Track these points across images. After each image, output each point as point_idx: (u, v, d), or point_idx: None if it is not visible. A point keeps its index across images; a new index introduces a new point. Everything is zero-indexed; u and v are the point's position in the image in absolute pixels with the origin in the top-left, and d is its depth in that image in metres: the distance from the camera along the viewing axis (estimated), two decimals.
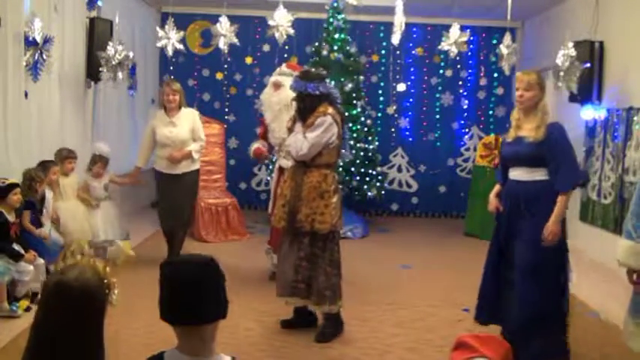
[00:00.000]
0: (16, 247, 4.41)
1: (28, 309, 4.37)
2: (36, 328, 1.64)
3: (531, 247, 3.58)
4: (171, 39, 6.45)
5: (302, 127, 4.16)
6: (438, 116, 9.33)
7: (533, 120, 3.66)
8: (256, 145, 5.57)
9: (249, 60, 9.10)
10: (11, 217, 4.44)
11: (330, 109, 4.13)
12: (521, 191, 3.69)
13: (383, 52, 9.12)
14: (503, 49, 6.49)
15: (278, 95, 5.27)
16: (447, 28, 6.72)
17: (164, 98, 5.80)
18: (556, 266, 3.63)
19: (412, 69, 9.28)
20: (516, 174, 3.75)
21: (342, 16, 7.96)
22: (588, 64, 6.24)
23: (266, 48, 8.99)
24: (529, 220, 3.63)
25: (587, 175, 4.29)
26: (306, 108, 4.17)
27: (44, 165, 5.16)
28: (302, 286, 4.16)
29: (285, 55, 8.95)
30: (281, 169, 5.20)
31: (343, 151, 4.43)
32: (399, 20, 6.35)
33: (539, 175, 3.64)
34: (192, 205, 6.22)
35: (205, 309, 1.68)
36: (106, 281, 1.71)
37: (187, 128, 5.75)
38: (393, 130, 9.28)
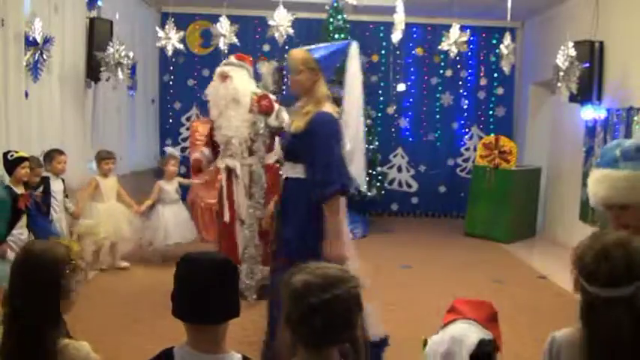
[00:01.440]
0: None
1: None
2: (8, 298, 1.76)
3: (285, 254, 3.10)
4: (171, 39, 6.45)
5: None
6: (438, 116, 9.33)
7: (306, 107, 3.16)
8: (195, 156, 5.26)
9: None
10: (19, 190, 4.38)
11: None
12: (284, 188, 3.27)
13: (383, 52, 9.12)
14: (504, 49, 6.50)
15: (225, 88, 4.88)
16: (447, 28, 6.74)
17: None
18: None
19: (412, 69, 9.28)
20: (284, 168, 3.35)
21: (342, 16, 7.96)
22: (587, 64, 6.24)
23: (266, 48, 8.99)
24: (287, 223, 3.19)
25: (346, 183, 3.05)
26: None
27: (49, 154, 5.22)
28: None
29: (285, 55, 8.96)
30: (228, 170, 5.00)
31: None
32: (400, 18, 6.36)
33: (299, 171, 3.14)
34: None
35: (218, 308, 1.69)
36: (73, 262, 1.80)
37: None
38: (393, 130, 9.28)
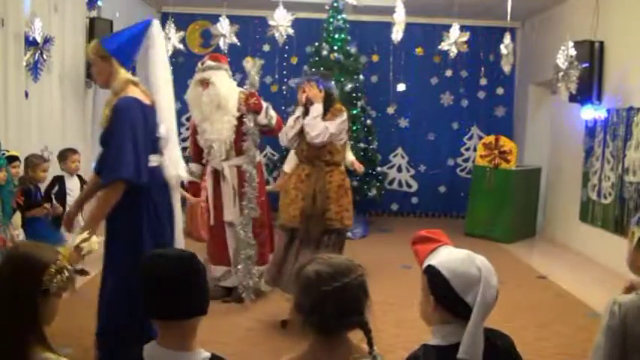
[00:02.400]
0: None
1: None
2: None
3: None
4: (171, 39, 6.46)
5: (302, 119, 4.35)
6: (438, 116, 9.33)
7: (110, 97, 3.03)
8: (191, 179, 4.73)
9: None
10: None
11: (343, 108, 4.41)
12: None
13: (383, 52, 9.11)
14: (504, 49, 6.50)
15: (208, 95, 4.71)
16: (447, 28, 6.73)
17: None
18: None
19: (412, 69, 9.28)
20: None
21: (342, 16, 7.96)
22: (586, 64, 6.24)
23: (266, 48, 8.99)
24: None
25: (130, 175, 2.86)
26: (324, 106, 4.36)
27: (63, 154, 5.35)
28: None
29: (285, 55, 8.96)
30: (215, 172, 4.91)
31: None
32: (400, 18, 6.36)
33: None
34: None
35: (184, 304, 1.69)
36: (58, 262, 1.72)
37: None
38: (393, 130, 9.28)
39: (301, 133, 4.33)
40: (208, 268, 4.83)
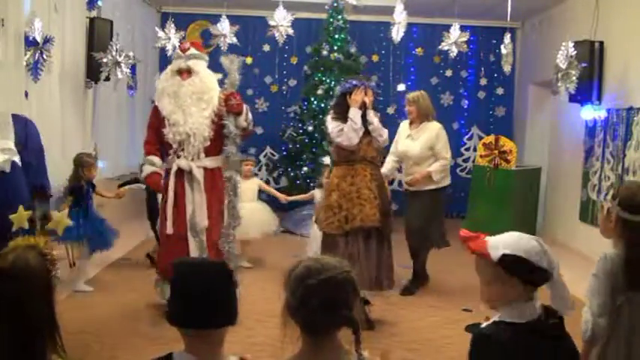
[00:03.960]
0: None
1: None
2: None
3: None
4: (171, 39, 6.46)
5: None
6: (438, 116, 9.30)
7: None
8: (152, 170, 4.47)
9: (249, 60, 9.09)
10: None
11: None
12: None
13: (383, 52, 9.12)
14: (504, 49, 6.50)
15: (191, 84, 4.27)
16: (447, 28, 6.73)
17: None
18: None
19: (412, 69, 9.28)
20: None
21: (342, 16, 7.96)
22: (584, 64, 6.24)
23: (266, 48, 8.99)
24: None
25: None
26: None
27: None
28: (382, 278, 4.41)
29: (285, 55, 8.96)
30: (181, 172, 4.30)
31: None
32: (401, 18, 6.36)
33: None
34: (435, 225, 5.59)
35: (215, 314, 1.67)
36: (48, 257, 1.70)
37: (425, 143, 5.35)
38: (393, 130, 9.27)
39: (364, 135, 4.39)
40: (160, 290, 4.41)
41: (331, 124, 4.40)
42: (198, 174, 4.27)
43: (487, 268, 1.88)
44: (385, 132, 4.47)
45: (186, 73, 4.28)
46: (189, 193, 4.28)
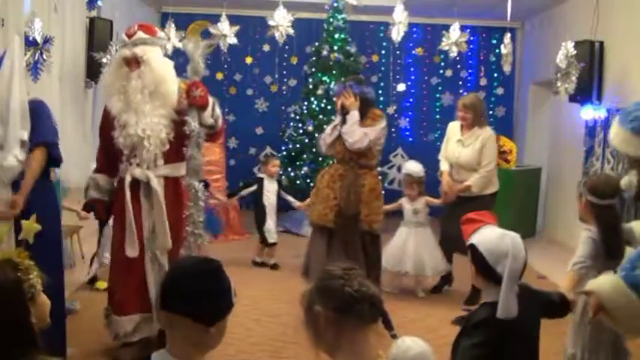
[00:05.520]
0: None
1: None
2: None
3: None
4: (171, 39, 6.46)
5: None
6: (438, 116, 9.33)
7: None
8: (93, 198, 3.72)
9: (249, 60, 9.09)
10: None
11: (382, 114, 4.56)
12: None
13: (383, 52, 9.12)
14: (504, 49, 6.51)
15: (141, 77, 3.46)
16: (447, 28, 6.74)
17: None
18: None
19: (412, 69, 9.28)
20: None
21: (342, 16, 7.96)
22: (583, 64, 6.24)
23: (266, 48, 8.98)
24: None
25: None
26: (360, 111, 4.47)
27: (266, 158, 6.52)
28: None
29: (285, 55, 8.96)
30: (135, 184, 3.51)
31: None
32: (401, 17, 6.37)
33: None
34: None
35: (206, 305, 1.66)
36: (21, 266, 1.70)
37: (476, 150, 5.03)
38: (393, 130, 9.27)
39: (339, 137, 4.49)
40: (112, 325, 3.60)
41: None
42: (157, 185, 3.50)
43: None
44: (355, 135, 4.38)
45: (134, 63, 3.47)
46: (147, 209, 3.52)
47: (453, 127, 5.27)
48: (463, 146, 5.08)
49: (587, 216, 2.96)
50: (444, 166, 5.27)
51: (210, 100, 3.56)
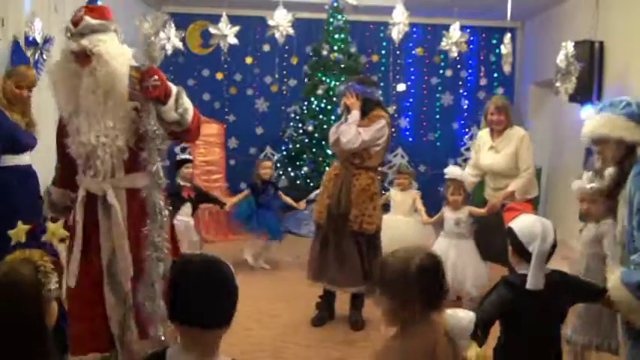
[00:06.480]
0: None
1: None
2: None
3: None
4: (171, 39, 6.45)
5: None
6: (438, 116, 9.33)
7: None
8: (46, 215, 3.20)
9: (249, 60, 9.09)
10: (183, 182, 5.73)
11: (384, 114, 4.50)
12: None
13: (383, 52, 9.12)
14: (504, 49, 6.51)
15: (92, 74, 2.74)
16: (447, 28, 6.74)
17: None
18: None
19: (412, 69, 9.28)
20: None
21: (342, 16, 7.96)
22: (582, 64, 6.24)
23: (266, 48, 8.98)
24: None
25: None
26: (362, 111, 4.46)
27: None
28: (341, 277, 4.40)
29: (285, 55, 8.96)
30: (91, 199, 2.81)
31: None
32: (401, 17, 6.37)
33: None
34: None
35: (213, 313, 1.69)
36: (41, 269, 1.72)
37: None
38: (393, 130, 9.26)
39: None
40: None
41: None
42: (115, 200, 2.79)
43: None
44: (348, 134, 4.36)
45: (84, 57, 2.77)
46: (105, 229, 2.82)
47: (484, 135, 5.06)
48: (496, 152, 4.90)
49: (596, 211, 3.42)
50: (471, 177, 5.05)
51: (174, 89, 2.80)
